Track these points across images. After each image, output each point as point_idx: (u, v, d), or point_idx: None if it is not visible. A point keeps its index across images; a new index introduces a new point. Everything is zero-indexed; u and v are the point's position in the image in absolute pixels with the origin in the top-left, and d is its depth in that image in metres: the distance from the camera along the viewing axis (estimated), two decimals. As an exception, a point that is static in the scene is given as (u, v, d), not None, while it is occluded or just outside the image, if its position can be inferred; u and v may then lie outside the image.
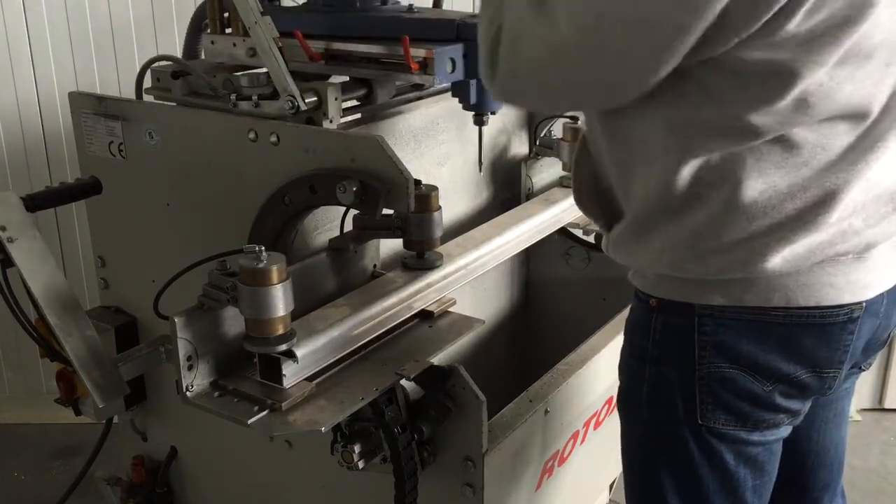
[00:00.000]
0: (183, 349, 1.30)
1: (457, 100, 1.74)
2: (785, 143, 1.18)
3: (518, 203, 2.23)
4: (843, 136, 1.19)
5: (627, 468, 1.50)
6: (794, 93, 1.13)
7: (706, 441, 1.35)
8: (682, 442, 1.36)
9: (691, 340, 1.30)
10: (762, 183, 1.19)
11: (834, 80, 1.13)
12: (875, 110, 1.18)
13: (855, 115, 1.18)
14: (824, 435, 1.57)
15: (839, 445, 1.60)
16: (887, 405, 3.30)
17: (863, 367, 1.48)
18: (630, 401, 1.44)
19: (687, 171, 1.22)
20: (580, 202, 1.47)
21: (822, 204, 1.19)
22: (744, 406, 1.32)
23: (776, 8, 1.06)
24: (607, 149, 1.33)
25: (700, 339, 1.30)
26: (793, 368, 1.29)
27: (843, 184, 1.19)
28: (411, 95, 1.93)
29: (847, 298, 1.26)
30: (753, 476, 1.39)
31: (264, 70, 1.57)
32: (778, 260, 1.21)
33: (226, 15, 1.80)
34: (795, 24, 1.08)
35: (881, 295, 1.30)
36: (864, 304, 1.27)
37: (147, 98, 1.79)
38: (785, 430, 1.38)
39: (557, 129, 2.25)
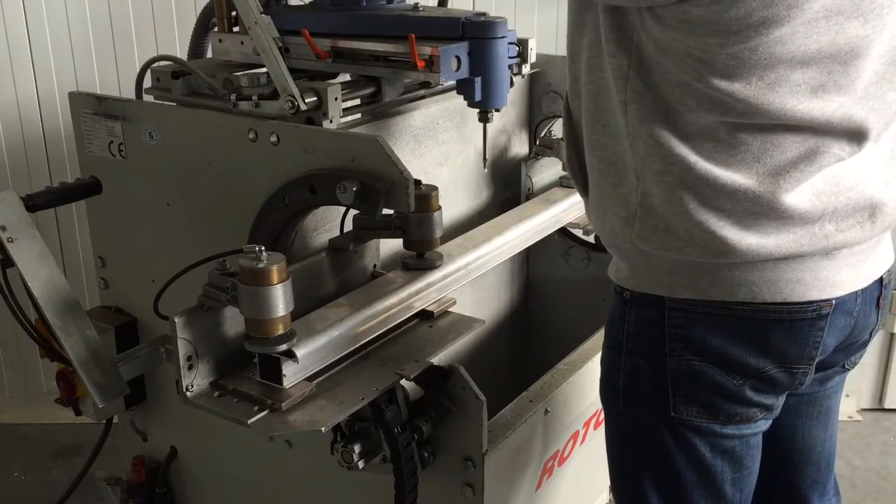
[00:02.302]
0: (183, 349, 1.30)
1: (457, 100, 1.74)
2: (734, 139, 1.21)
3: (518, 203, 2.23)
4: (790, 143, 1.21)
5: (610, 460, 1.52)
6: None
7: (680, 433, 1.36)
8: (658, 434, 1.38)
9: (662, 333, 1.32)
10: (715, 170, 1.21)
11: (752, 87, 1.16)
12: (821, 122, 1.20)
13: (798, 127, 1.20)
14: (809, 433, 1.57)
15: (826, 443, 1.60)
16: (887, 405, 3.30)
17: (847, 367, 1.50)
18: (608, 392, 1.46)
19: (642, 140, 1.25)
20: (568, 167, 1.50)
21: (776, 200, 1.21)
22: (715, 399, 1.33)
23: None
24: (584, 106, 1.36)
25: (670, 331, 1.32)
26: (762, 363, 1.30)
27: (794, 185, 1.21)
28: (417, 94, 1.93)
29: (815, 295, 1.27)
30: (732, 469, 1.40)
31: (264, 70, 1.57)
32: (743, 246, 1.22)
33: (234, 13, 1.80)
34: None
35: (854, 293, 1.30)
36: (833, 302, 1.28)
37: (147, 98, 1.79)
38: (762, 424, 1.39)
39: (557, 129, 2.25)
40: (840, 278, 1.28)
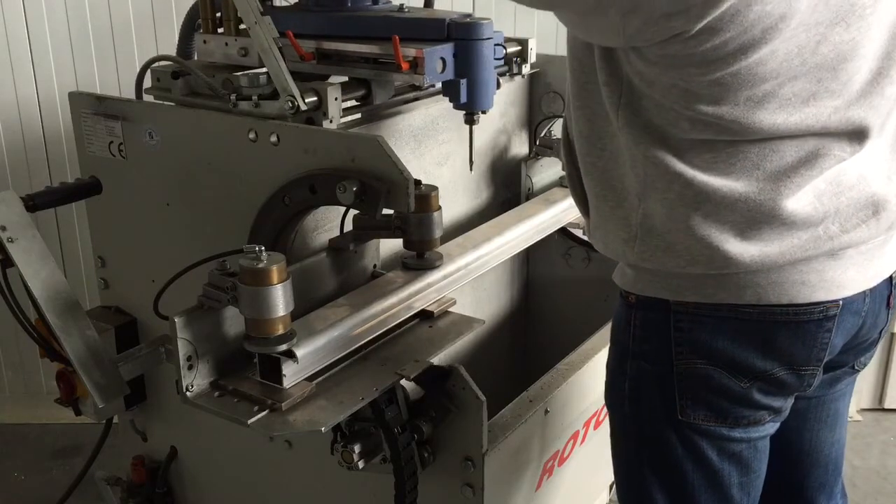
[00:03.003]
0: (183, 349, 1.30)
1: (456, 100, 1.74)
2: (732, 148, 1.20)
3: (518, 203, 2.23)
4: (789, 148, 1.20)
5: (615, 463, 1.51)
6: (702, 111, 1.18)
7: (687, 437, 1.36)
8: (665, 437, 1.37)
9: (668, 337, 1.32)
10: (715, 181, 1.21)
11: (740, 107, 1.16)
12: (817, 129, 1.19)
13: (795, 134, 1.19)
14: (818, 436, 1.56)
15: (834, 446, 1.60)
16: (887, 405, 3.30)
17: (856, 367, 1.48)
18: (614, 396, 1.45)
19: (640, 162, 1.25)
20: (571, 188, 1.49)
21: (777, 206, 1.20)
22: (722, 403, 1.32)
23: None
24: (576, 129, 1.36)
25: (676, 335, 1.31)
26: (769, 366, 1.29)
27: (795, 189, 1.20)
28: (410, 95, 1.93)
29: (821, 296, 1.26)
30: (739, 473, 1.39)
31: (264, 70, 1.57)
32: (746, 258, 1.22)
33: (218, 15, 1.80)
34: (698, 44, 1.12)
35: (862, 293, 1.30)
36: (840, 303, 1.27)
37: (147, 98, 1.79)
38: (770, 427, 1.39)
39: (557, 129, 2.25)
40: (847, 278, 1.27)
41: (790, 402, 1.38)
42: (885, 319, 1.39)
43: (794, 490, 1.61)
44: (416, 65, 1.59)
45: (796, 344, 1.28)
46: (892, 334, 3.17)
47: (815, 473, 1.60)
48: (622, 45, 1.19)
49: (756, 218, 1.21)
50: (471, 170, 2.00)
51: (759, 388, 1.31)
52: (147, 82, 1.78)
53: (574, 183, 1.45)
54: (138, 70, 1.75)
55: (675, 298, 1.30)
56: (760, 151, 1.20)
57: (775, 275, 1.24)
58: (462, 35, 1.65)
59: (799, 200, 1.21)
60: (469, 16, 1.71)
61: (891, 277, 1.35)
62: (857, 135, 1.23)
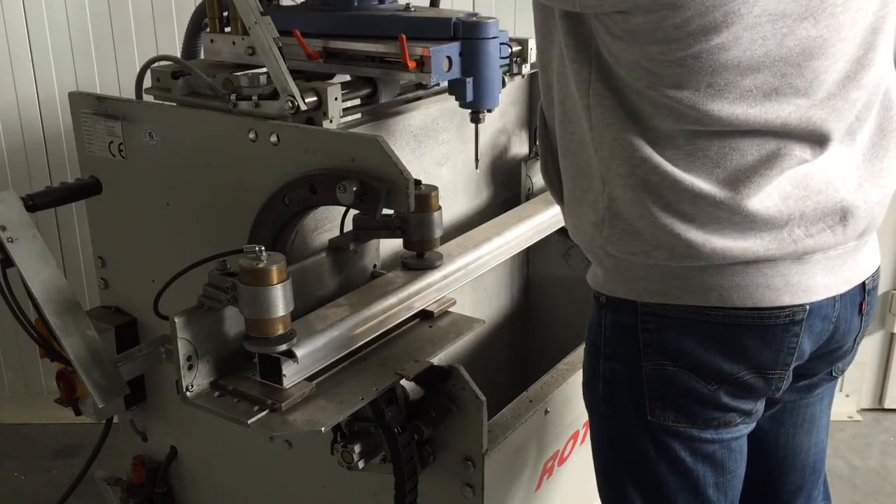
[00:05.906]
0: (183, 349, 1.30)
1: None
2: (692, 145, 1.20)
3: (518, 203, 2.23)
4: (749, 147, 1.19)
5: (595, 463, 1.50)
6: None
7: (659, 438, 1.35)
8: (637, 439, 1.37)
9: (636, 338, 1.31)
10: (677, 173, 1.20)
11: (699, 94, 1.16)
12: (776, 125, 1.19)
13: (756, 131, 1.19)
14: (794, 440, 1.55)
15: (811, 450, 1.58)
16: (887, 405, 3.30)
17: (834, 374, 1.47)
18: (590, 397, 1.45)
19: (606, 144, 1.24)
20: (544, 174, 1.49)
21: (738, 205, 1.19)
22: (691, 405, 1.32)
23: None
24: (556, 113, 1.36)
25: (644, 337, 1.31)
26: (735, 369, 1.28)
27: (757, 189, 1.19)
28: (411, 95, 1.94)
29: (787, 300, 1.24)
30: (714, 473, 1.38)
31: (264, 70, 1.57)
32: (707, 248, 1.21)
33: (225, 14, 1.80)
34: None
35: (832, 299, 1.28)
36: (807, 307, 1.25)
37: (147, 98, 1.79)
38: (744, 428, 1.38)
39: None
40: (814, 283, 1.26)
41: (761, 404, 1.37)
42: (858, 326, 1.37)
43: (771, 492, 1.60)
44: (422, 63, 1.60)
45: (762, 348, 1.27)
46: (892, 334, 3.17)
47: (792, 476, 1.59)
48: (575, 8, 1.19)
49: (717, 215, 1.20)
50: (476, 167, 2.01)
51: (726, 390, 1.30)
52: (147, 82, 1.78)
53: (548, 168, 1.45)
54: (138, 70, 1.75)
55: (641, 300, 1.29)
56: (720, 150, 1.19)
57: (739, 278, 1.23)
58: (468, 34, 1.65)
59: (762, 201, 1.19)
60: (475, 15, 1.71)
61: (864, 284, 1.33)
62: (818, 138, 1.22)
